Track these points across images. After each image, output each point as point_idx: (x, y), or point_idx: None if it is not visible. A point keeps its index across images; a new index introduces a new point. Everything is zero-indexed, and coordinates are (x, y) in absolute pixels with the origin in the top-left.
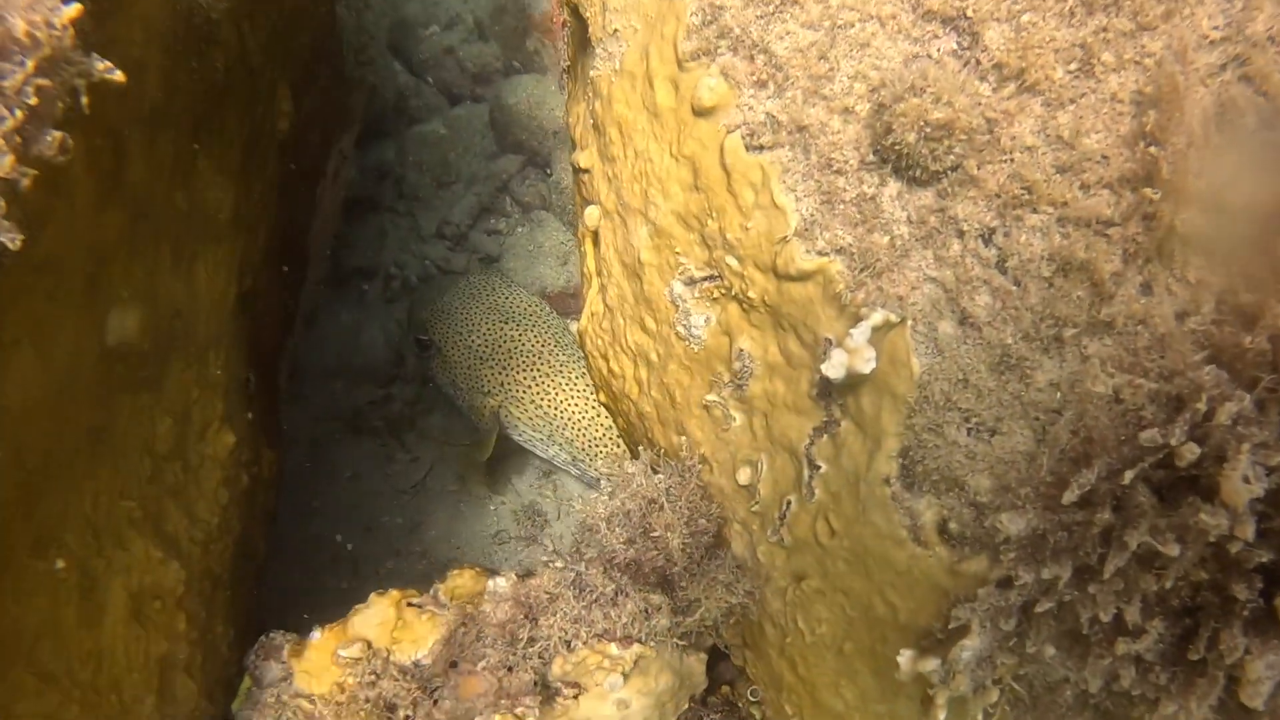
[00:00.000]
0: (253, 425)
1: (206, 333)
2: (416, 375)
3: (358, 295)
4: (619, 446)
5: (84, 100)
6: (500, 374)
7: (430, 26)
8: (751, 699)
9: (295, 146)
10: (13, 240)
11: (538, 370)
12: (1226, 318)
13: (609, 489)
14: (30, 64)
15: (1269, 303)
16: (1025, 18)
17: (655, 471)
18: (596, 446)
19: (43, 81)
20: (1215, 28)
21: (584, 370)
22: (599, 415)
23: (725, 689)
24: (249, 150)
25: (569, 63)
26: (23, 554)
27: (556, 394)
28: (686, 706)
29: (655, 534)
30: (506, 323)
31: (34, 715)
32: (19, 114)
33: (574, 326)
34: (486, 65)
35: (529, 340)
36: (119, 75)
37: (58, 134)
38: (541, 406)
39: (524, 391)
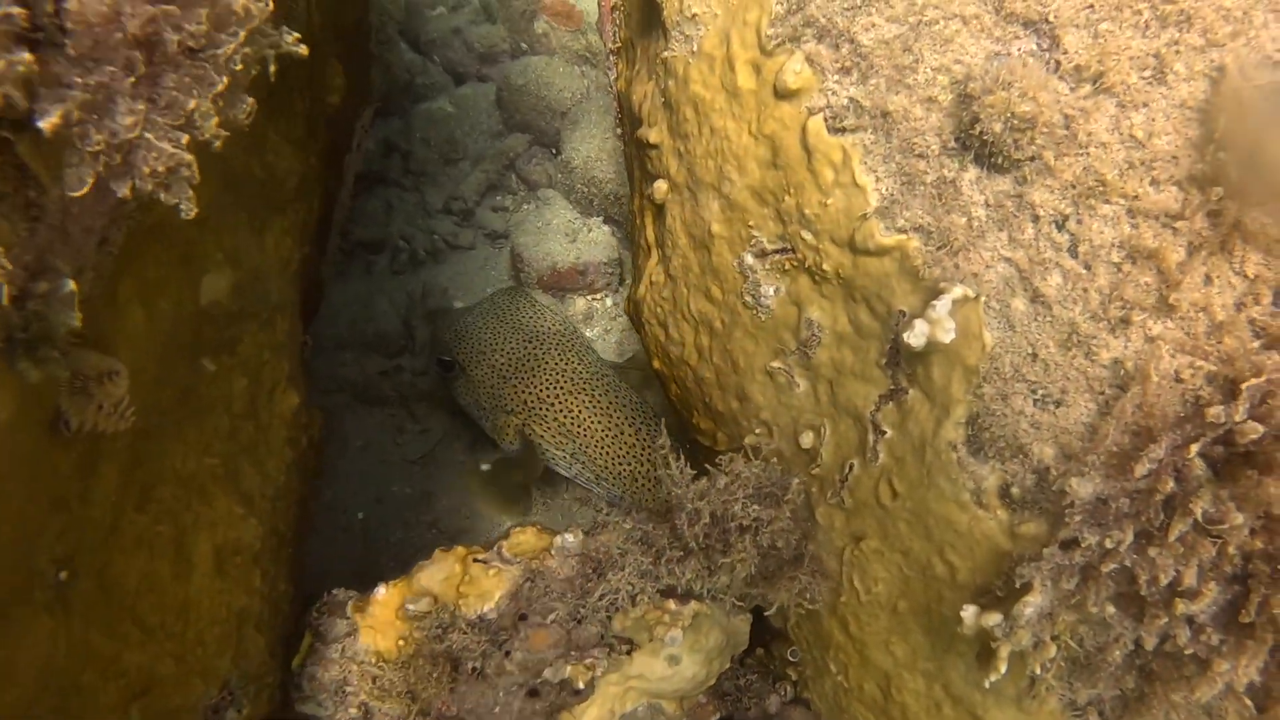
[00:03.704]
0: (307, 387)
1: (277, 297)
2: (425, 350)
3: (364, 267)
4: (642, 465)
5: (272, 69)
6: (524, 392)
7: (437, 8)
8: (791, 659)
9: (339, 120)
10: (189, 208)
11: (561, 388)
12: None
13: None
14: (242, 34)
15: None
16: (1103, 26)
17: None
18: (620, 465)
19: (247, 51)
20: (1278, 49)
21: (608, 388)
22: (622, 433)
23: (760, 651)
24: (310, 122)
25: (619, 45)
26: (130, 510)
27: (580, 412)
28: (728, 666)
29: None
30: (530, 341)
31: (139, 668)
32: (225, 80)
33: (590, 337)
34: (494, 46)
35: (553, 358)
36: (303, 49)
37: (250, 99)
38: (565, 424)
39: (547, 409)
